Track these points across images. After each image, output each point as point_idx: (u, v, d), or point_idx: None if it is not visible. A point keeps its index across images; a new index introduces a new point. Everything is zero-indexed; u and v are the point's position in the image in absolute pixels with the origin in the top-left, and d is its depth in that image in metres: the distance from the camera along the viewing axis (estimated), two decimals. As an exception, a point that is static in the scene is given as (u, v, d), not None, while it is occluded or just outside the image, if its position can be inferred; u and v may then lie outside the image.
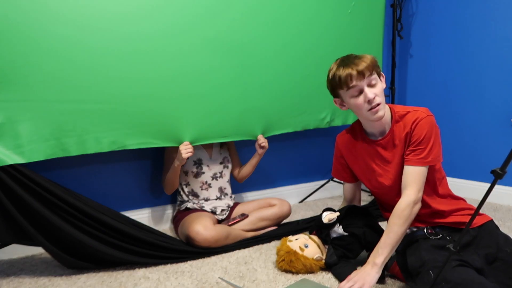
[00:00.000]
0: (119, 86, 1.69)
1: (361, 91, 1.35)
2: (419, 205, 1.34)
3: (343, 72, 1.34)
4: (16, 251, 1.80)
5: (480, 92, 2.54)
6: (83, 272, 1.62)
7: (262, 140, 2.10)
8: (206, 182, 2.06)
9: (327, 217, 1.57)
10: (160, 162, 2.19)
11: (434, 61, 2.79)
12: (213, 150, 2.11)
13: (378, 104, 1.34)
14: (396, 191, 1.43)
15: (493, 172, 1.00)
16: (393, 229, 1.32)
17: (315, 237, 1.63)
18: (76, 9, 1.59)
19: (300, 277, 1.52)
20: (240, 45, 1.99)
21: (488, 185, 2.10)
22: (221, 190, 2.10)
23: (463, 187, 2.63)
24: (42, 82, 1.53)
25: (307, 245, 1.57)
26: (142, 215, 2.15)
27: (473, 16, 2.53)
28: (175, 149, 1.91)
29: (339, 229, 1.56)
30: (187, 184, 2.05)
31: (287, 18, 2.14)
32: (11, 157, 1.47)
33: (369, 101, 1.33)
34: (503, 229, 1.94)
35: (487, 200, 2.46)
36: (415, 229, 1.42)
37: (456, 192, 1.53)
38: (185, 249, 1.74)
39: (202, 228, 1.75)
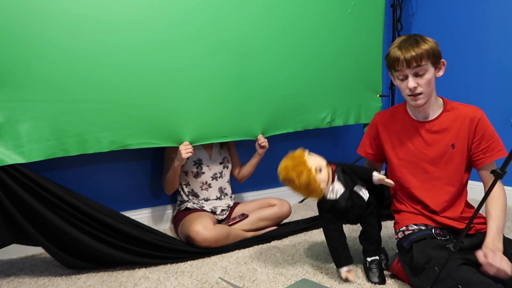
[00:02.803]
0: (119, 86, 1.69)
1: (406, 77, 1.40)
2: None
3: (394, 54, 1.39)
4: (16, 251, 1.80)
5: (480, 92, 2.53)
6: (83, 272, 1.62)
7: (262, 140, 2.10)
8: (206, 182, 2.06)
9: (379, 180, 1.49)
10: (160, 162, 2.18)
11: (434, 61, 2.79)
12: (213, 150, 2.11)
13: (419, 94, 1.39)
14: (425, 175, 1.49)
15: (493, 172, 1.01)
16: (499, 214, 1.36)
17: (330, 169, 1.50)
18: (78, 3, 1.58)
19: (299, 277, 1.52)
20: (240, 45, 1.99)
21: (488, 185, 2.09)
22: (221, 190, 2.10)
23: (463, 187, 2.62)
24: (42, 82, 1.53)
25: (321, 170, 1.43)
26: (142, 215, 2.15)
27: (473, 16, 2.53)
28: (175, 149, 1.91)
29: (363, 191, 1.51)
30: (187, 184, 2.05)
31: (287, 18, 2.14)
32: (11, 157, 1.47)
33: (410, 89, 1.39)
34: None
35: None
36: (423, 228, 1.43)
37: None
38: (185, 249, 1.74)
39: (202, 228, 1.75)
